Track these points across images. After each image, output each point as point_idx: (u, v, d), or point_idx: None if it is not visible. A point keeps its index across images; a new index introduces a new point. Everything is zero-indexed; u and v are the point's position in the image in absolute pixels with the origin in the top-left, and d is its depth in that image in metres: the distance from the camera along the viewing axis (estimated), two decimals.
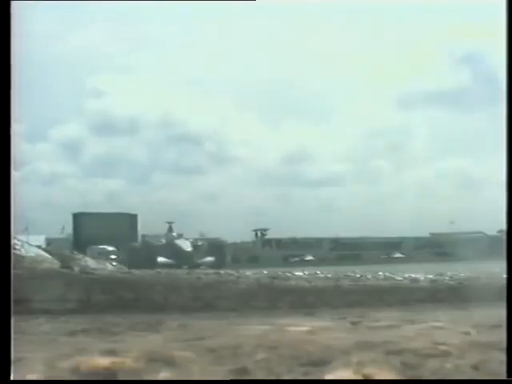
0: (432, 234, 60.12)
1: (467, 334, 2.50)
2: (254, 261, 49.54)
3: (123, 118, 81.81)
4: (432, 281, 4.74)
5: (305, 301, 4.19)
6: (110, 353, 2.01)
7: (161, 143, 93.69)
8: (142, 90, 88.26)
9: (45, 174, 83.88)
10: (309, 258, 51.57)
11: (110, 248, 49.64)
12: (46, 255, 4.77)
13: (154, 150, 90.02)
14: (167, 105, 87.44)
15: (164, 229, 58.86)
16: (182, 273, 4.85)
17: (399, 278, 4.83)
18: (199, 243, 50.15)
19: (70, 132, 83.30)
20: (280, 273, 4.88)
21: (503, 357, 1.92)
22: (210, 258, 45.72)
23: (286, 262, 47.28)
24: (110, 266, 5.25)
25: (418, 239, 57.95)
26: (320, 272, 5.03)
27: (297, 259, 49.51)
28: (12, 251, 3.39)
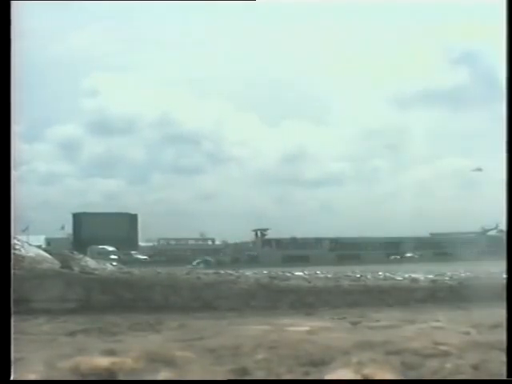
0: (432, 234, 60.20)
1: (467, 333, 2.50)
2: (253, 261, 49.64)
3: (122, 118, 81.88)
4: (432, 281, 4.75)
5: (305, 301, 4.19)
6: (110, 353, 2.01)
7: (159, 143, 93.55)
8: (140, 90, 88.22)
9: (43, 173, 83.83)
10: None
11: (110, 248, 49.69)
12: (46, 255, 4.77)
13: (152, 150, 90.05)
14: (166, 104, 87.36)
15: (164, 229, 59.13)
16: (181, 273, 4.85)
17: (399, 278, 4.83)
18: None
19: (69, 132, 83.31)
20: (280, 273, 4.88)
21: (503, 357, 1.92)
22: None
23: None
24: (109, 266, 5.25)
25: (418, 239, 58.05)
26: (320, 272, 5.03)
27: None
28: (12, 251, 3.39)
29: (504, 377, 1.81)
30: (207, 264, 36.81)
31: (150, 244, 62.56)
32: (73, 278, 4.19)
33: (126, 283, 4.22)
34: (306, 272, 4.96)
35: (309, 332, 2.60)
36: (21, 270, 3.95)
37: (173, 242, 62.93)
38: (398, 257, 50.92)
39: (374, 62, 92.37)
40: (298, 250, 56.14)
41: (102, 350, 2.08)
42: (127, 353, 1.98)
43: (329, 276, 4.77)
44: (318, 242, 58.98)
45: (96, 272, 4.47)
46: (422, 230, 57.52)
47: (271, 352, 2.02)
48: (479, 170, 52.04)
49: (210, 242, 65.02)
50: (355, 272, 5.07)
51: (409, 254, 52.03)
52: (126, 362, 1.87)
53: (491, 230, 55.48)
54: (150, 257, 51.90)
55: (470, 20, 75.94)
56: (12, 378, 1.79)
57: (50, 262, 4.58)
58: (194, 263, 37.08)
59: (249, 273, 4.75)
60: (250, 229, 59.42)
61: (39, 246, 6.52)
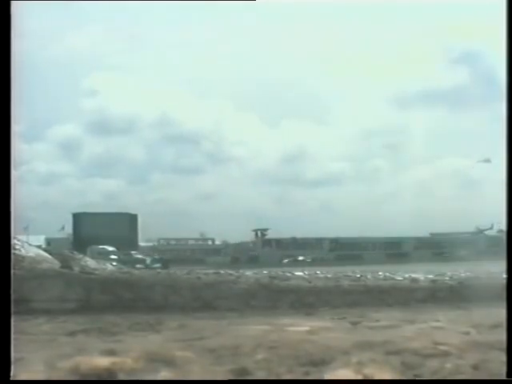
0: (432, 234, 60.25)
1: (467, 333, 2.50)
2: (253, 261, 49.64)
3: (122, 118, 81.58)
4: (432, 281, 4.75)
5: (305, 301, 4.18)
6: (110, 353, 2.01)
7: (159, 143, 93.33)
8: (140, 90, 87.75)
9: (43, 173, 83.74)
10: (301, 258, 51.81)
11: (110, 248, 49.66)
12: (46, 255, 4.77)
13: (152, 150, 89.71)
14: (166, 104, 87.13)
15: (164, 229, 59.33)
16: (181, 273, 4.85)
17: (399, 278, 4.83)
18: None
19: (69, 132, 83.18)
20: (280, 273, 4.88)
21: (503, 357, 1.92)
22: None
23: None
24: (109, 266, 5.25)
25: (418, 239, 58.13)
26: (320, 272, 5.03)
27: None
28: (12, 251, 3.39)
29: (504, 377, 1.81)
30: (161, 263, 36.82)
31: (150, 244, 62.53)
32: (73, 277, 4.19)
33: (125, 283, 4.22)
34: (306, 272, 4.96)
35: (309, 332, 2.60)
36: (21, 270, 3.95)
37: (173, 242, 62.91)
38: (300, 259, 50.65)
39: (374, 61, 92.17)
40: (297, 250, 56.11)
41: (101, 350, 2.08)
42: (127, 353, 1.98)
43: (329, 276, 4.77)
44: (318, 242, 58.98)
45: (96, 272, 4.47)
46: (422, 230, 57.56)
47: (271, 352, 2.02)
48: (488, 161, 50.66)
49: (210, 242, 64.98)
50: (355, 272, 5.07)
51: (300, 258, 51.91)
52: (126, 362, 1.87)
53: (486, 229, 55.46)
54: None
55: (470, 20, 75.89)
56: (12, 378, 1.79)
57: (50, 262, 4.58)
58: (148, 261, 37.13)
59: (249, 273, 4.75)
60: (249, 229, 59.37)
61: (39, 246, 6.52)
